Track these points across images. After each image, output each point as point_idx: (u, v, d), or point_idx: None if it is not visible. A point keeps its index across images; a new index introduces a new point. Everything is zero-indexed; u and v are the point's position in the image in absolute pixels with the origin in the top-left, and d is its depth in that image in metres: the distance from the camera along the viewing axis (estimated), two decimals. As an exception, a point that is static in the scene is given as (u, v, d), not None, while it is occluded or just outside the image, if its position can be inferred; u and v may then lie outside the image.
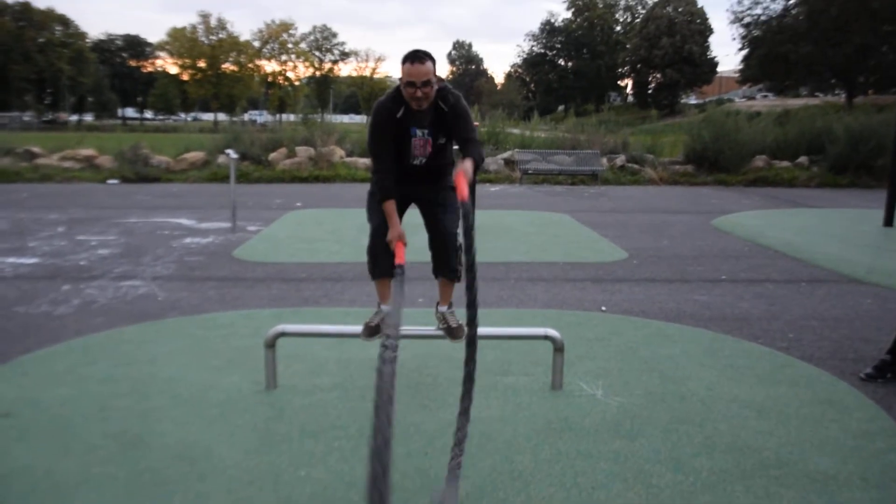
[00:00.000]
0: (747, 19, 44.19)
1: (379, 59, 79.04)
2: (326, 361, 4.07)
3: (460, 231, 3.22)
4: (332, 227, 9.24)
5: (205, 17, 63.39)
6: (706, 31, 57.25)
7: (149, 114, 74.01)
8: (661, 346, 4.45)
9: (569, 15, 70.82)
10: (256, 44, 66.90)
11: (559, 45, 71.25)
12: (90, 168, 16.09)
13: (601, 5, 69.46)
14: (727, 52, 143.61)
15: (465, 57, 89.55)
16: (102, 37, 70.61)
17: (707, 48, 57.52)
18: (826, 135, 16.96)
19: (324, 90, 71.91)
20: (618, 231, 9.23)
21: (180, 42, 62.65)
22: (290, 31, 68.17)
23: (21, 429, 3.17)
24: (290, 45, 68.50)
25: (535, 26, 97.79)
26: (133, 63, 71.82)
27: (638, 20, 65.02)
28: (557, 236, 8.80)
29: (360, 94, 73.75)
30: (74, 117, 62.42)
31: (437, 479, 2.71)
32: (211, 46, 62.86)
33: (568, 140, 18.39)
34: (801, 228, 9.60)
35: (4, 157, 16.02)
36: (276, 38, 67.39)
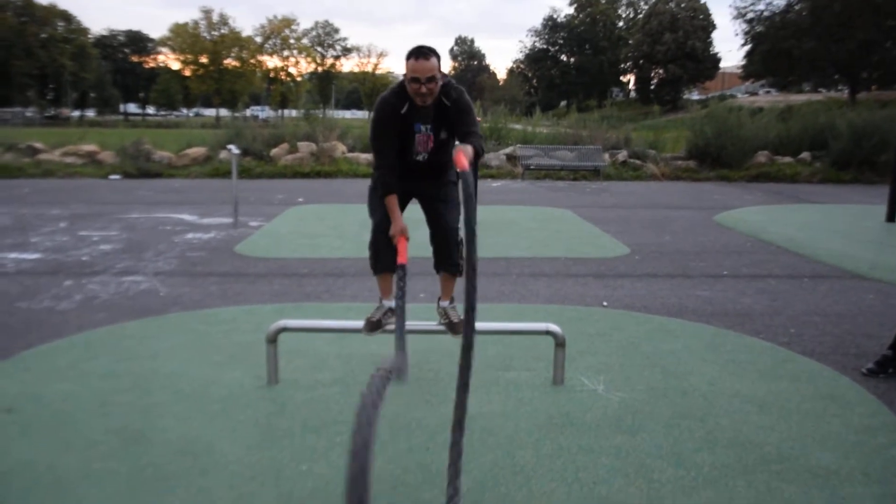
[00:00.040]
0: (750, 15, 44.05)
1: (381, 55, 79.19)
2: (328, 357, 4.07)
3: (461, 228, 3.17)
4: (334, 222, 9.24)
5: (207, 12, 63.36)
6: (709, 26, 57.10)
7: (151, 109, 73.98)
8: (663, 342, 4.45)
9: (571, 10, 70.75)
10: (258, 39, 66.83)
11: (561, 41, 71.08)
12: (92, 164, 16.10)
13: (603, 1, 69.27)
14: (730, 47, 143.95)
15: (467, 53, 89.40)
16: (104, 32, 70.67)
17: (710, 44, 57.38)
18: (829, 130, 16.92)
19: (325, 86, 71.82)
20: (620, 226, 9.21)
21: (182, 38, 62.58)
22: (292, 27, 68.09)
23: (23, 424, 3.17)
24: (291, 41, 68.42)
25: (537, 22, 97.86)
26: (135, 59, 71.75)
27: (640, 16, 64.83)
28: (559, 232, 8.80)
29: (362, 89, 73.70)
30: (76, 113, 62.41)
31: (439, 473, 2.71)
32: (213, 42, 62.78)
33: (570, 136, 18.38)
34: (803, 224, 9.58)
35: (7, 152, 16.04)
36: (278, 33, 67.30)
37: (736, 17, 45.07)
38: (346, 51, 73.20)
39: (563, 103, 65.06)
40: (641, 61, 59.64)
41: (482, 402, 3.43)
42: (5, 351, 4.15)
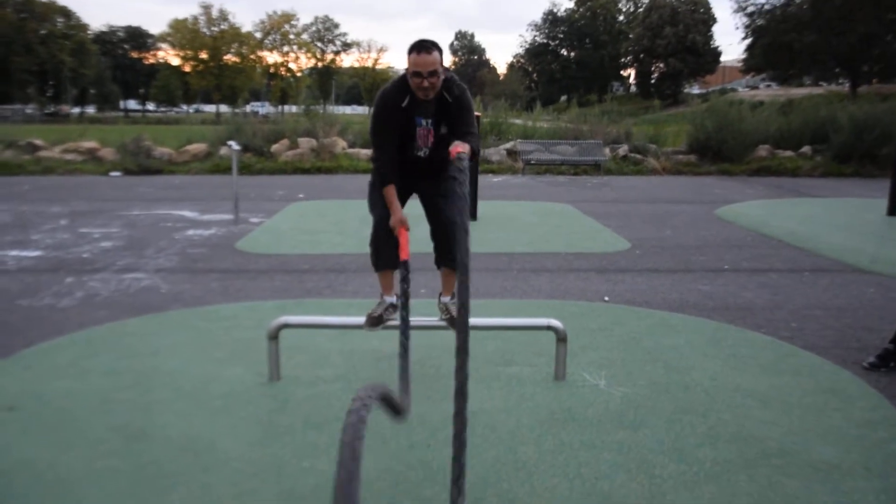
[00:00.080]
0: (751, 8, 43.90)
1: (381, 50, 79.02)
2: (329, 353, 4.07)
3: (459, 221, 3.15)
4: (335, 218, 9.23)
5: (206, 8, 63.15)
6: (709, 20, 56.94)
7: (151, 105, 73.86)
8: (665, 337, 4.45)
9: (571, 5, 70.58)
10: (258, 35, 66.66)
11: (562, 35, 70.92)
12: (92, 160, 16.08)
13: (604, -5, 69.17)
14: (730, 41, 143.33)
15: (467, 47, 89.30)
16: (104, 28, 70.37)
17: (710, 37, 57.22)
18: (830, 124, 16.88)
19: (326, 81, 71.72)
20: (621, 221, 9.20)
21: (182, 33, 62.45)
22: (292, 22, 67.93)
23: (24, 422, 3.17)
24: (291, 37, 68.26)
25: (537, 16, 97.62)
26: (135, 55, 71.58)
27: (641, 10, 64.66)
28: (560, 227, 8.79)
29: (363, 84, 73.53)
30: (76, 109, 62.35)
31: (441, 470, 2.71)
32: (213, 38, 62.64)
33: (570, 130, 18.33)
34: (804, 218, 9.56)
35: (7, 149, 16.02)
36: (278, 29, 67.15)
37: (736, 11, 44.98)
38: (347, 46, 73.08)
39: (563, 98, 64.89)
40: (642, 55, 59.50)
41: (483, 398, 3.42)
42: (6, 349, 4.15)
